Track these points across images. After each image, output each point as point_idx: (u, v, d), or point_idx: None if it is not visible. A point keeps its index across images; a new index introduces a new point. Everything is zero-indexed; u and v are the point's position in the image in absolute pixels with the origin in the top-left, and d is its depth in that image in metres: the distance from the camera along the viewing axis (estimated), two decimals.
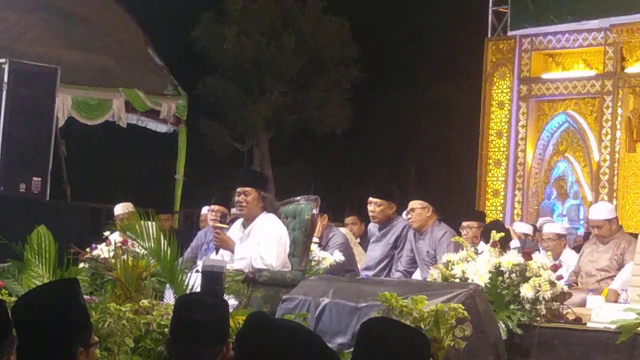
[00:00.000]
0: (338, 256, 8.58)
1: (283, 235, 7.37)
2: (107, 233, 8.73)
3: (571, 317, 6.85)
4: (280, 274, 7.30)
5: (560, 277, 6.91)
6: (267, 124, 21.98)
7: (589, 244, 9.17)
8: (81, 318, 3.43)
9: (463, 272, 6.88)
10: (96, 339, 3.59)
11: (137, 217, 6.84)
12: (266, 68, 21.49)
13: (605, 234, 8.79)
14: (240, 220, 7.62)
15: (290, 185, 20.90)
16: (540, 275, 6.70)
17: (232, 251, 7.35)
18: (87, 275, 7.39)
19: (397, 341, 3.02)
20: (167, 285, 6.80)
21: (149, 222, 6.83)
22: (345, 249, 9.09)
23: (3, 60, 11.47)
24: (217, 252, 7.43)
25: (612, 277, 8.48)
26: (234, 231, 7.57)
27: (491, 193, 14.89)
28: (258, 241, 7.31)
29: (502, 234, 7.39)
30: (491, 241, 7.20)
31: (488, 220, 13.05)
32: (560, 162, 14.49)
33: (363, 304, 6.32)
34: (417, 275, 8.53)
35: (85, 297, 6.55)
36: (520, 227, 10.55)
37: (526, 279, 6.71)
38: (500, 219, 13.61)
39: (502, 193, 14.77)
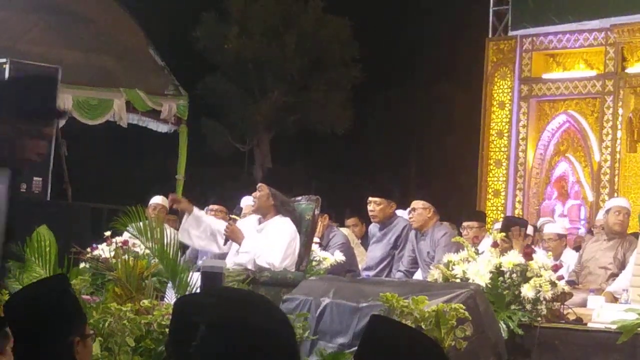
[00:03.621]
0: (339, 256, 8.58)
1: (294, 239, 7.43)
2: (107, 233, 8.73)
3: (572, 317, 6.85)
4: (281, 274, 7.31)
5: (561, 278, 6.91)
6: (268, 124, 21.99)
7: (590, 242, 9.18)
8: (73, 308, 3.49)
9: (464, 272, 6.88)
10: (92, 331, 3.63)
11: (162, 216, 6.85)
12: (267, 68, 21.49)
13: (625, 223, 8.87)
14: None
15: (291, 185, 20.88)
16: (541, 276, 6.70)
17: (240, 244, 7.43)
18: (88, 275, 7.40)
19: (409, 346, 2.92)
20: (168, 285, 6.81)
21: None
22: (346, 249, 9.09)
23: (4, 60, 11.47)
24: (225, 242, 7.53)
25: (613, 276, 8.48)
26: (249, 221, 7.64)
27: (492, 193, 14.88)
28: (269, 241, 7.37)
29: (503, 234, 7.40)
30: (492, 241, 7.21)
31: (489, 220, 13.06)
32: (561, 162, 14.49)
33: (364, 304, 6.32)
34: (418, 276, 8.53)
35: (86, 297, 6.57)
36: None
37: (527, 279, 6.71)
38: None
39: (502, 193, 14.77)
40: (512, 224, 7.58)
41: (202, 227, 7.62)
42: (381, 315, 3.22)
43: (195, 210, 7.64)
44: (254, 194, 7.64)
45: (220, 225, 7.64)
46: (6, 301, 3.67)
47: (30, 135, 4.00)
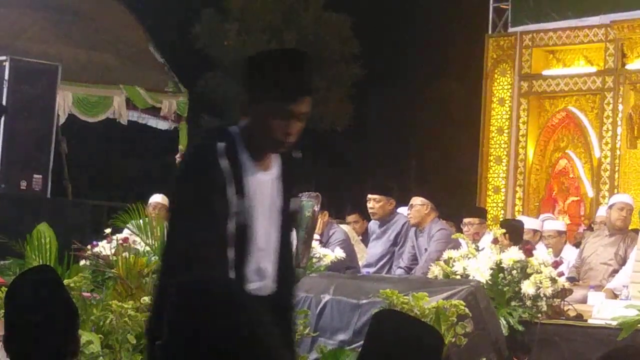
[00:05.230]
0: (339, 253, 8.57)
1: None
2: (107, 230, 8.74)
3: (572, 313, 6.85)
4: None
5: (561, 274, 6.92)
6: None
7: (591, 237, 9.19)
8: (72, 303, 3.41)
9: (464, 268, 6.88)
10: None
11: (162, 215, 6.85)
12: None
13: (627, 219, 8.88)
14: None
15: None
16: (541, 272, 6.71)
17: None
18: (89, 273, 7.40)
19: (410, 338, 2.96)
20: None
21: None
22: (346, 245, 9.09)
23: (4, 57, 11.47)
24: None
25: (615, 273, 8.48)
26: None
27: (492, 190, 14.88)
28: None
29: (503, 230, 7.41)
30: (492, 238, 7.21)
31: (489, 217, 13.07)
32: (561, 158, 14.48)
33: (364, 301, 6.33)
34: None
35: (87, 294, 6.57)
36: (529, 223, 10.26)
37: (527, 276, 6.72)
38: (511, 217, 13.59)
39: (503, 190, 14.77)
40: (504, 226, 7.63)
41: None
42: (385, 310, 3.22)
43: None
44: None
45: None
46: (5, 305, 3.44)
47: (279, 116, 3.61)
